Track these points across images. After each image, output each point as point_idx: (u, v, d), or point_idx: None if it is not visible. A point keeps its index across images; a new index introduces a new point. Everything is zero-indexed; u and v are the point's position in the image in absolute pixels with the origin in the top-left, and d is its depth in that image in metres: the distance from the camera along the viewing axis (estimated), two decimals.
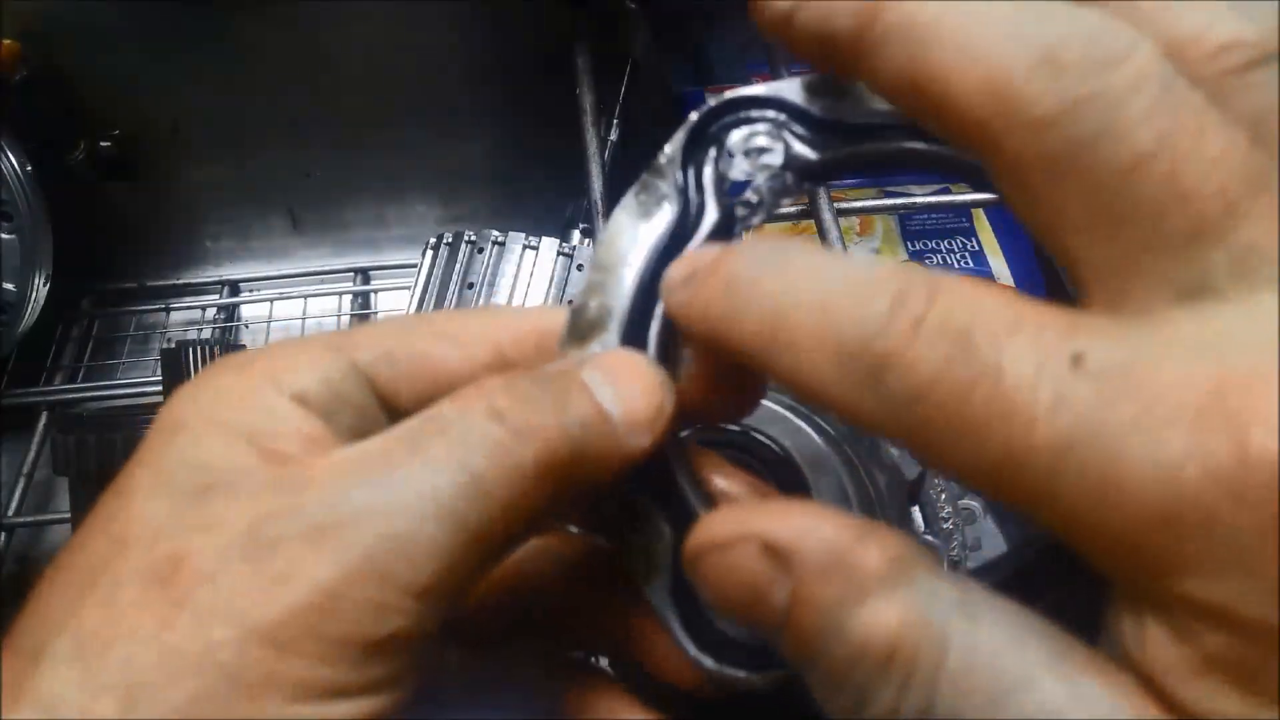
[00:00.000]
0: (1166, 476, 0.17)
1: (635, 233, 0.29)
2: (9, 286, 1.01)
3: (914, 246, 1.00)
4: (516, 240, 0.88)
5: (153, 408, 0.82)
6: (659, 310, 0.29)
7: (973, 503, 0.55)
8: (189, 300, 1.21)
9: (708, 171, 0.30)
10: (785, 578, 0.21)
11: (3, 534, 0.96)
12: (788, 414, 0.43)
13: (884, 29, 0.22)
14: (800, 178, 0.30)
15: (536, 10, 1.05)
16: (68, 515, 0.87)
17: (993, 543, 0.57)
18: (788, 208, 0.86)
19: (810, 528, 0.21)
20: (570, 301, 0.29)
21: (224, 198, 1.19)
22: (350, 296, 1.21)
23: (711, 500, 0.29)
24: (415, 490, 0.24)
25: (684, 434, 0.30)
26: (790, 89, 0.30)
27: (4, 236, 1.01)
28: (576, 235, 0.97)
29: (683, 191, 0.30)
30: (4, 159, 0.99)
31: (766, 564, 0.22)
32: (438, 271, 0.89)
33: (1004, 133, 0.20)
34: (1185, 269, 0.18)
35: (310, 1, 1.03)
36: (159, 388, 0.88)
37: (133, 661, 0.22)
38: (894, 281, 0.20)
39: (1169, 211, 0.18)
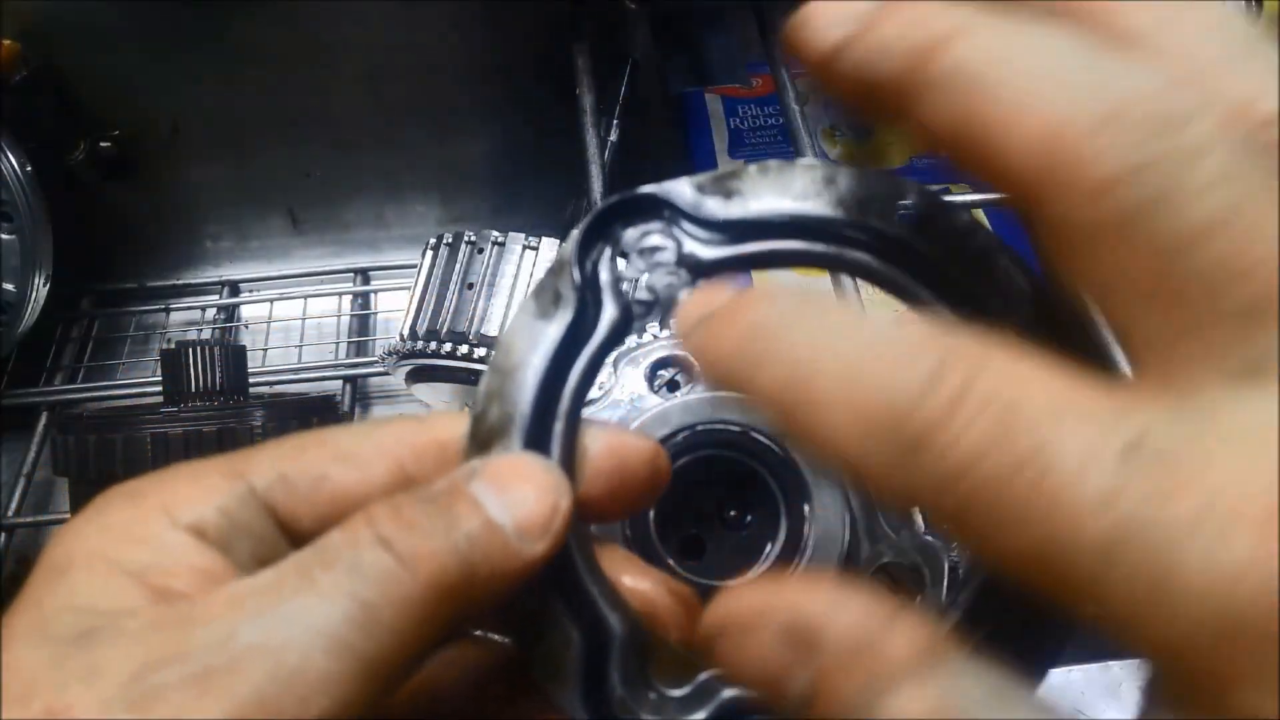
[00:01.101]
0: (1226, 584, 0.16)
1: (533, 334, 0.30)
2: (9, 286, 1.01)
3: None
4: (516, 240, 0.87)
5: (153, 408, 0.82)
6: (561, 410, 0.29)
7: None
8: (189, 300, 1.21)
9: (604, 271, 0.30)
10: (808, 662, 0.20)
11: (3, 534, 0.96)
12: None
13: (938, 73, 0.21)
14: (694, 275, 0.30)
15: (536, 10, 1.05)
16: (68, 515, 0.87)
17: None
18: None
19: (835, 608, 0.20)
20: (469, 407, 0.30)
21: (224, 198, 1.19)
22: (350, 296, 1.21)
23: (620, 601, 0.29)
24: (304, 624, 0.23)
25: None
26: (680, 189, 0.30)
27: (4, 237, 1.01)
28: None
29: (580, 292, 0.30)
30: (4, 159, 0.99)
31: (789, 649, 0.20)
32: (438, 272, 0.88)
33: (1057, 193, 0.19)
34: (1241, 349, 0.17)
35: (310, 1, 1.03)
36: (159, 388, 0.88)
37: None
38: (933, 349, 0.19)
39: (1227, 287, 0.17)
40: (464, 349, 0.83)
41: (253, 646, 0.23)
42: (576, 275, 0.30)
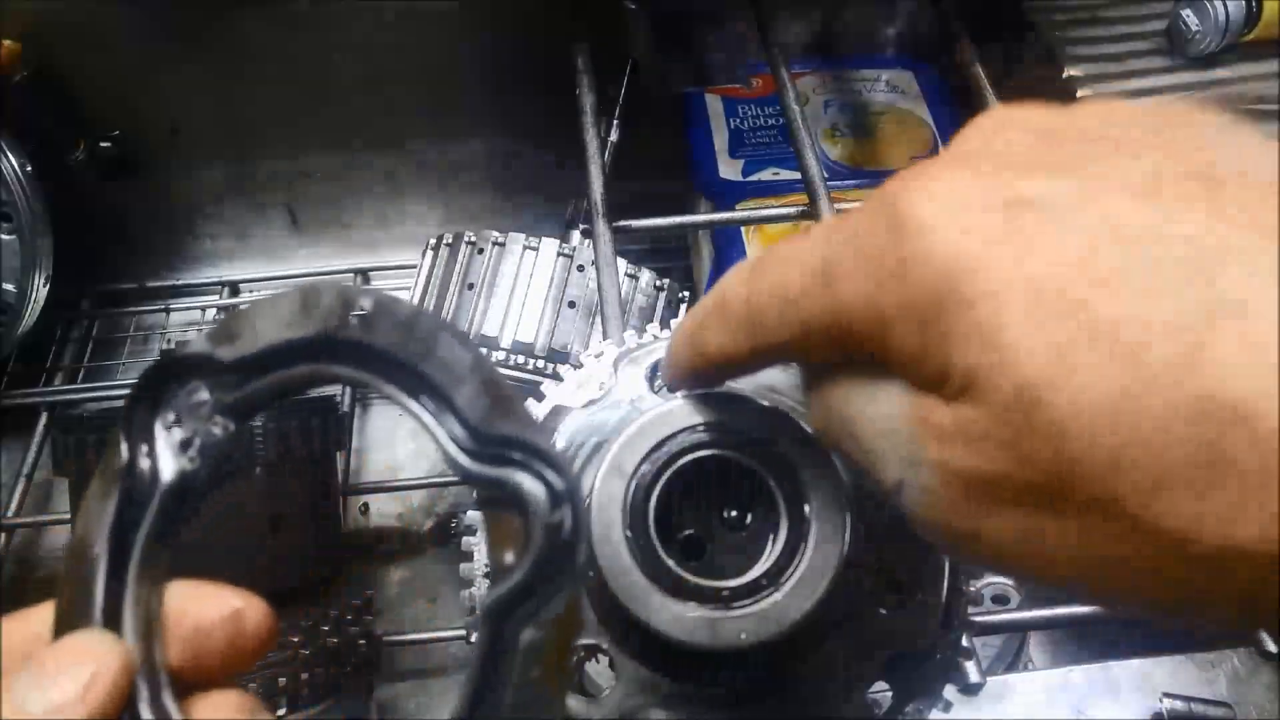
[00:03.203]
0: None
1: (96, 513, 0.32)
2: (9, 287, 1.01)
3: None
4: (516, 240, 0.87)
5: None
6: (130, 577, 0.31)
7: None
8: (189, 301, 1.21)
9: (162, 436, 0.32)
10: None
11: (2, 534, 0.96)
12: (787, 414, 0.43)
13: None
14: (234, 418, 0.33)
15: (536, 10, 1.05)
16: (68, 515, 0.87)
17: None
18: (787, 209, 0.86)
19: None
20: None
21: (224, 198, 1.19)
22: None
23: None
24: None
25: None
26: (198, 344, 0.33)
27: (4, 237, 1.01)
28: (576, 235, 0.97)
29: (128, 466, 0.32)
30: (4, 159, 0.99)
31: None
32: (438, 272, 0.88)
33: None
34: None
35: (310, 3, 1.03)
36: None
37: None
38: None
39: None
40: None
41: None
42: (124, 451, 0.32)
